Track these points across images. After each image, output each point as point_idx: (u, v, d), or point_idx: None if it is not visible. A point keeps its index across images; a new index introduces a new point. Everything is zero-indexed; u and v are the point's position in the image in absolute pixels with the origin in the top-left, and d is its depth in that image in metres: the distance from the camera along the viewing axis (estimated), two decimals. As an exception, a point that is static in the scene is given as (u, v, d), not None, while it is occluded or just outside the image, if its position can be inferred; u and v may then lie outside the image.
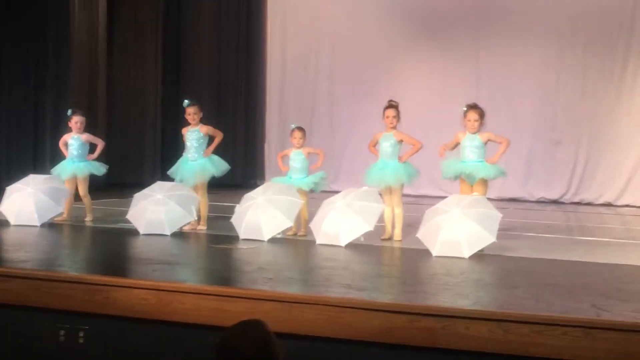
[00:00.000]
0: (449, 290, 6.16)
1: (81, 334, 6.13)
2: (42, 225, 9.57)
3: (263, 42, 18.02)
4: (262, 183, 17.61)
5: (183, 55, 18.21)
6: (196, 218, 9.42)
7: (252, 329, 3.67)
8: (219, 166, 9.98)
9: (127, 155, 16.29)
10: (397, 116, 9.33)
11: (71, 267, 7.01)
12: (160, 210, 9.08)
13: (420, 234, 8.15)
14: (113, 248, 8.62)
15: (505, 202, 14.86)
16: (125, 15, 16.95)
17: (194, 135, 9.97)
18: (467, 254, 7.71)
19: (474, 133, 9.02)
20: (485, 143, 9.07)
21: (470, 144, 9.03)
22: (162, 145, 16.87)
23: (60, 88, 14.39)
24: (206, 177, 9.87)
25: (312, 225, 8.77)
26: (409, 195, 14.05)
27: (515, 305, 5.59)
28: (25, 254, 7.62)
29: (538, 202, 15.55)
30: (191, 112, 10.02)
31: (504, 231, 9.66)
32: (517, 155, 15.04)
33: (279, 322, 5.60)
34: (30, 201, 9.63)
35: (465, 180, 8.99)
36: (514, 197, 15.56)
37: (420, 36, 16.56)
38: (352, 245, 8.35)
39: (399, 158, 9.29)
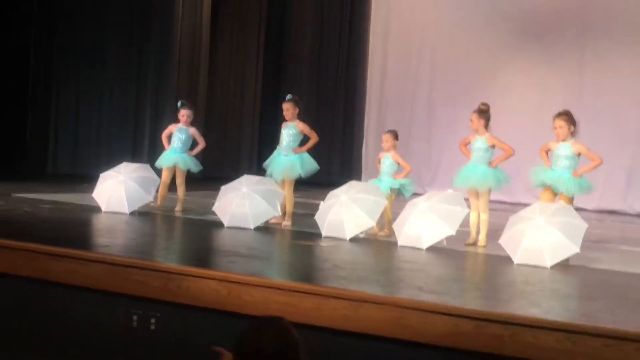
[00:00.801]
0: (522, 299, 6.03)
1: (153, 321, 6.22)
2: (132, 213, 9.74)
3: (365, 43, 18.01)
4: (360, 179, 17.75)
5: (285, 51, 18.36)
6: (280, 214, 9.45)
7: (271, 324, 3.62)
8: (306, 165, 9.97)
9: (225, 148, 16.49)
10: (482, 120, 9.14)
11: (149, 254, 7.09)
12: (245, 203, 9.12)
13: (502, 241, 8.00)
14: (194, 238, 8.77)
15: (603, 214, 14.53)
16: (229, 11, 17.15)
17: (289, 131, 10.01)
18: (549, 263, 7.53)
19: (564, 141, 8.81)
20: (578, 155, 8.83)
21: (559, 153, 8.82)
22: (259, 139, 16.99)
23: (161, 82, 14.63)
24: (293, 175, 9.88)
25: (395, 226, 8.71)
26: (503, 202, 13.88)
27: (589, 318, 5.42)
28: (107, 240, 7.79)
29: (638, 215, 15.11)
30: (286, 108, 10.04)
31: (595, 243, 9.47)
32: (619, 166, 14.68)
33: (345, 320, 5.60)
34: (121, 189, 9.80)
35: (551, 189, 8.79)
36: (613, 210, 15.16)
37: (522, 42, 16.31)
38: (434, 249, 8.26)
39: (489, 163, 9.13)
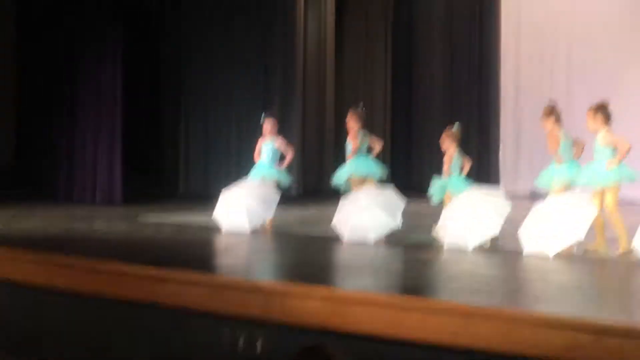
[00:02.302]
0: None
1: (258, 343, 6.03)
2: (253, 232, 9.60)
3: (497, 44, 17.42)
4: (498, 187, 17.22)
5: (414, 59, 18.03)
6: (399, 225, 9.08)
7: (314, 353, 3.54)
8: None
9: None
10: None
11: (259, 273, 6.92)
12: (364, 216, 8.86)
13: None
14: (308, 255, 8.54)
15: None
16: (354, 26, 16.98)
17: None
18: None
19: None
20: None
21: None
22: (391, 150, 16.71)
23: (286, 101, 14.51)
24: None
25: (521, 232, 8.23)
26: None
27: None
28: (219, 260, 7.69)
29: None
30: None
31: None
32: None
33: (453, 335, 5.27)
34: (242, 207, 9.68)
35: None
36: None
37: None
38: (562, 257, 7.75)
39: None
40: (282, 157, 10.67)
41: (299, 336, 5.86)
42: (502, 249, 8.41)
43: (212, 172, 14.44)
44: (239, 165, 14.04)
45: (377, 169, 10.37)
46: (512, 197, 14.92)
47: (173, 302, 6.40)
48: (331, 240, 8.99)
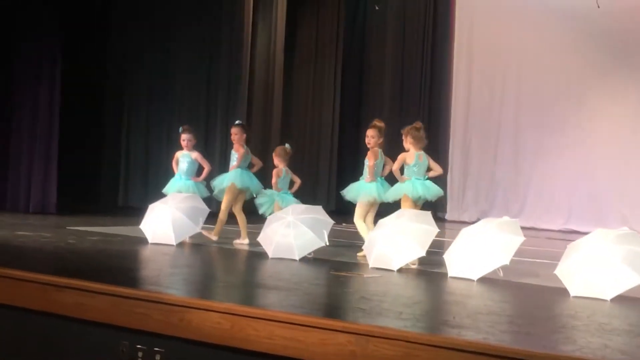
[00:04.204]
0: (558, 334, 5.35)
1: (157, 357, 5.79)
2: (179, 245, 9.41)
3: (449, 65, 17.40)
4: (444, 214, 17.09)
5: (364, 75, 17.97)
6: (327, 243, 8.91)
7: None
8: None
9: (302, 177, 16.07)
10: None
11: (162, 286, 6.66)
12: (290, 233, 8.66)
13: (558, 271, 7.30)
14: (227, 270, 8.44)
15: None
16: (305, 37, 16.82)
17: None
18: (608, 295, 6.81)
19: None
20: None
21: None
22: (337, 171, 16.55)
23: (231, 113, 14.30)
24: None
25: (446, 256, 8.07)
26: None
27: (627, 356, 4.71)
28: (131, 272, 7.47)
29: None
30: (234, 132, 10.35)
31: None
32: None
33: (353, 356, 5.05)
34: (167, 219, 9.49)
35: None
36: None
37: (613, 65, 15.42)
38: (487, 280, 7.59)
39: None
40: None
41: (199, 351, 5.64)
42: (429, 271, 8.26)
43: (151, 185, 14.18)
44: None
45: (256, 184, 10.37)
46: (459, 224, 14.96)
47: (71, 312, 6.14)
48: (255, 255, 8.81)
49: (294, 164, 15.68)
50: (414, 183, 9.12)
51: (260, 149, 15.21)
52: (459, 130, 17.25)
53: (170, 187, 10.50)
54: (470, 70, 17.14)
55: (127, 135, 14.85)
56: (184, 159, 10.59)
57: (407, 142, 9.26)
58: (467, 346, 4.76)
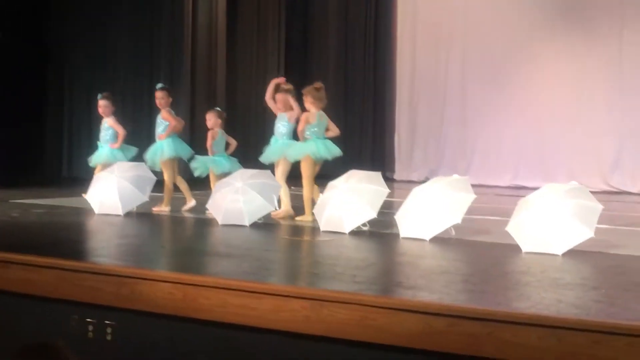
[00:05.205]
0: (512, 291, 5.35)
1: (109, 330, 5.68)
2: (127, 214, 9.26)
3: (393, 31, 17.31)
4: (393, 174, 17.08)
5: (309, 46, 17.81)
6: (277, 208, 8.85)
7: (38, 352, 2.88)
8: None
9: (248, 147, 15.91)
10: None
11: (111, 258, 6.53)
12: (239, 199, 8.55)
13: (509, 227, 7.29)
14: (175, 239, 8.31)
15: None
16: (247, 10, 16.58)
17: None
18: (559, 250, 6.82)
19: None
20: None
21: None
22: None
23: (175, 82, 14.08)
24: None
25: (397, 217, 8.02)
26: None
27: (581, 310, 4.71)
28: (77, 244, 7.32)
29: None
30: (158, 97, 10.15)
31: (620, 227, 8.76)
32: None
33: (307, 322, 4.99)
34: (113, 189, 9.32)
35: None
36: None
37: (560, 22, 15.41)
38: (439, 240, 7.55)
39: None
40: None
41: (151, 323, 5.54)
42: (380, 233, 8.20)
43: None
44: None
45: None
46: (407, 183, 14.96)
47: (17, 288, 5.99)
48: (204, 222, 8.71)
49: (242, 128, 15.62)
50: (317, 143, 9.13)
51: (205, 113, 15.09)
52: (405, 89, 17.18)
53: (95, 159, 10.48)
54: (415, 27, 17.04)
55: (70, 105, 14.57)
56: (102, 126, 10.51)
57: (308, 102, 9.30)
58: (423, 307, 4.72)
